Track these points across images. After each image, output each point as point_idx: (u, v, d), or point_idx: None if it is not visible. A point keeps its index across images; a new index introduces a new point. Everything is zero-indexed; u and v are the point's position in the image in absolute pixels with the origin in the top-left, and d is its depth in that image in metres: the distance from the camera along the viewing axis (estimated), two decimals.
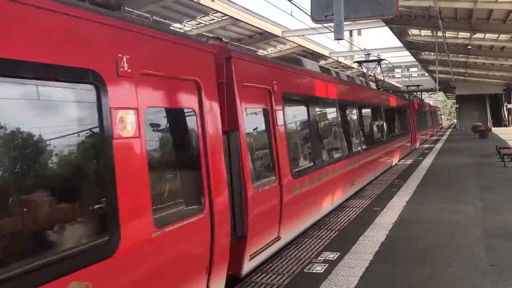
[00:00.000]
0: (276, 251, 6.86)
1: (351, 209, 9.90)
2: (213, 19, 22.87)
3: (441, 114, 72.50)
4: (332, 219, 9.03)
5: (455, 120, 69.20)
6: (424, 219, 8.85)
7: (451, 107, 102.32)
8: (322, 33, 23.51)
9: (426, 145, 29.35)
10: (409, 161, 19.52)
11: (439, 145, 28.77)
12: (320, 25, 17.25)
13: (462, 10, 22.30)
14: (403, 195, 11.41)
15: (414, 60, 44.14)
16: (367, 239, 7.51)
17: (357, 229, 8.15)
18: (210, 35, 17.90)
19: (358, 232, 7.93)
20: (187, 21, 22.59)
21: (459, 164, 17.55)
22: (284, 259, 6.62)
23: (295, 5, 13.05)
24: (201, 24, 23.13)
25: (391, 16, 7.10)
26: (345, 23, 6.41)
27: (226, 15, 21.93)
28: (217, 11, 21.35)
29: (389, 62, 32.60)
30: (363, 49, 38.01)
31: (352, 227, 8.40)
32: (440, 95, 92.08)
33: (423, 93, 57.87)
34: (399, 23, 26.35)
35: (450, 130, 56.76)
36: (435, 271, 6.01)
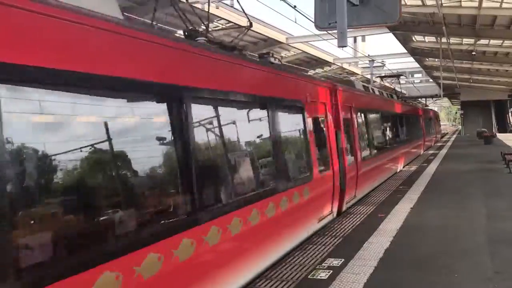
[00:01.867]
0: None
1: (355, 216, 9.90)
2: (218, 26, 23.01)
3: (439, 120, 58.06)
4: (336, 225, 9.03)
5: (460, 126, 68.79)
6: (428, 225, 8.84)
7: (456, 113, 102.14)
8: (326, 39, 23.60)
9: (431, 151, 29.29)
10: (413, 168, 19.48)
11: (443, 151, 28.71)
12: (324, 32, 17.32)
13: (466, 16, 22.36)
14: (408, 201, 11.39)
15: (419, 66, 44.21)
16: (371, 246, 7.50)
17: (362, 236, 8.14)
18: None
19: (362, 239, 7.92)
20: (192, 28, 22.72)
21: (464, 170, 17.50)
22: (288, 265, 6.63)
23: (299, 12, 13.14)
24: None
25: (394, 23, 7.15)
26: (348, 30, 6.45)
27: (230, 22, 22.07)
28: (222, 18, 21.49)
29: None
30: (367, 55, 38.09)
31: (356, 233, 8.40)
32: (445, 101, 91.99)
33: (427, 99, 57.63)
34: (403, 30, 26.47)
35: (455, 136, 56.62)
36: (440, 277, 6.00)
